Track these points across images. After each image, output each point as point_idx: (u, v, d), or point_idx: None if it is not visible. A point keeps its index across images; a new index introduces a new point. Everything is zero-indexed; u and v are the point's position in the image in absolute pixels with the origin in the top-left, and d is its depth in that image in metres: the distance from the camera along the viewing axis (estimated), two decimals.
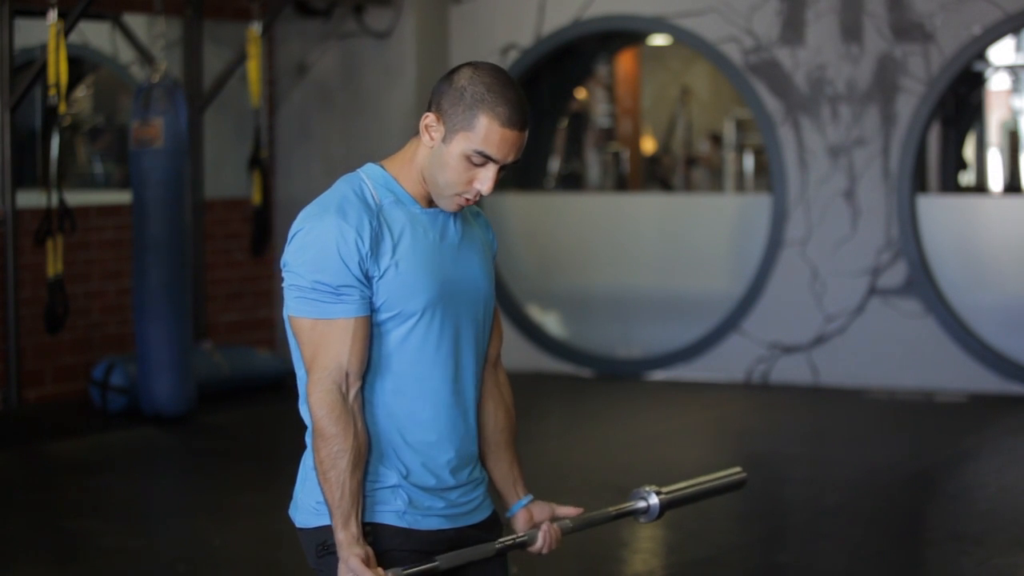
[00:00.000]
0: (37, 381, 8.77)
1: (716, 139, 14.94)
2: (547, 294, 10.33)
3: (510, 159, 2.79)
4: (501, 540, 2.94)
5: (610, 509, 3.15)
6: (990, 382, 8.98)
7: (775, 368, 9.43)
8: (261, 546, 6.05)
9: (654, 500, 3.17)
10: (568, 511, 3.05)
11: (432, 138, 2.80)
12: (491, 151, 2.76)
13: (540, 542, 2.99)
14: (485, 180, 2.78)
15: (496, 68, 2.81)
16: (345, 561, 2.73)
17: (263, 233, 9.37)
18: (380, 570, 2.72)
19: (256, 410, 8.85)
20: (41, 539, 6.16)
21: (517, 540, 2.97)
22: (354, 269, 2.76)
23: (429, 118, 2.80)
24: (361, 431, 2.77)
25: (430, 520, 2.86)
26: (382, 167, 2.88)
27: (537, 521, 3.04)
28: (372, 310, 2.79)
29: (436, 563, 2.80)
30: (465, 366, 2.89)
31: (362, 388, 2.80)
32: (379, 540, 2.80)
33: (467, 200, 2.82)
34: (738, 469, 3.38)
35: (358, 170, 2.89)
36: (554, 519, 3.06)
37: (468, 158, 2.77)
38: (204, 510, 6.74)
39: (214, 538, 6.17)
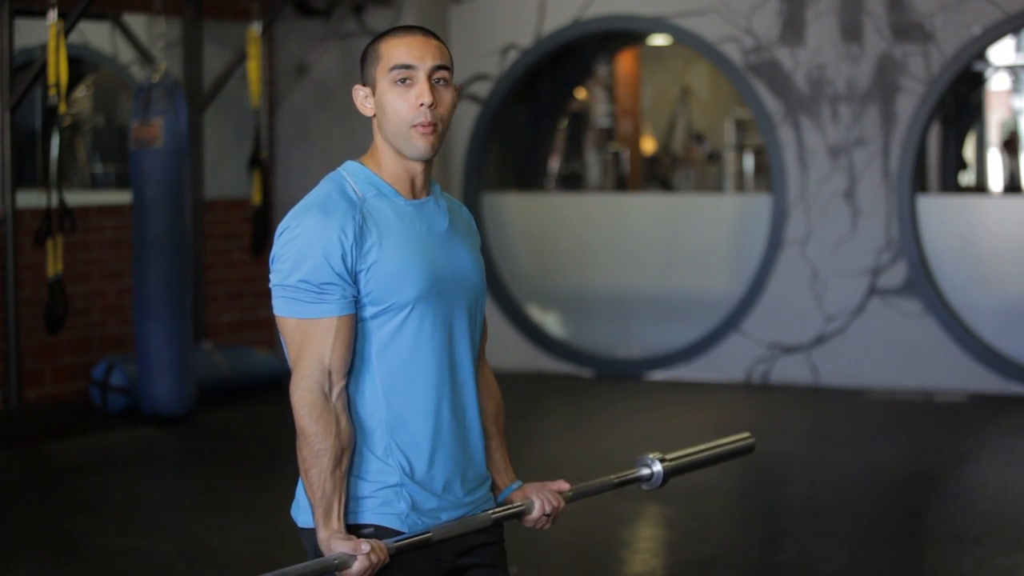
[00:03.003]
0: (37, 381, 8.77)
1: (699, 139, 14.96)
2: (547, 294, 10.33)
3: (429, 62, 2.82)
4: (496, 509, 2.90)
5: (612, 477, 3.08)
6: (990, 382, 8.98)
7: (775, 368, 9.43)
8: (261, 546, 6.05)
9: (657, 467, 3.12)
10: (559, 485, 3.00)
11: (369, 107, 2.86)
12: (403, 59, 2.81)
13: (537, 510, 2.93)
14: (422, 93, 2.81)
15: None
16: (329, 550, 2.70)
17: (263, 233, 9.37)
18: (364, 542, 2.68)
19: (256, 410, 8.85)
20: (41, 539, 6.16)
21: (514, 509, 2.91)
22: (337, 266, 2.75)
23: (359, 93, 2.87)
24: (345, 429, 2.76)
25: (433, 523, 2.82)
26: (361, 163, 2.90)
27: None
28: (359, 307, 2.78)
29: (429, 534, 2.77)
30: (461, 358, 2.88)
31: (347, 387, 2.78)
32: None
33: (426, 127, 2.82)
34: (746, 434, 3.33)
35: (339, 168, 2.90)
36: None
37: (395, 84, 2.82)
38: (204, 510, 6.74)
39: (214, 538, 6.17)
